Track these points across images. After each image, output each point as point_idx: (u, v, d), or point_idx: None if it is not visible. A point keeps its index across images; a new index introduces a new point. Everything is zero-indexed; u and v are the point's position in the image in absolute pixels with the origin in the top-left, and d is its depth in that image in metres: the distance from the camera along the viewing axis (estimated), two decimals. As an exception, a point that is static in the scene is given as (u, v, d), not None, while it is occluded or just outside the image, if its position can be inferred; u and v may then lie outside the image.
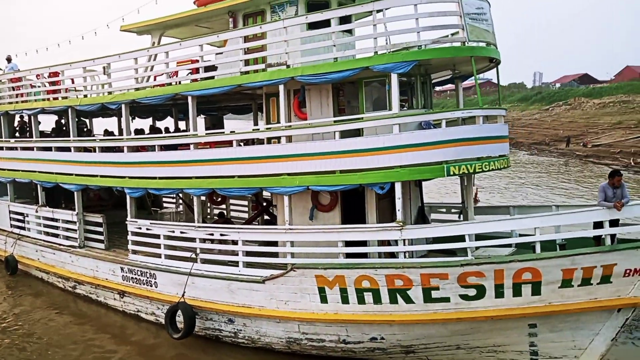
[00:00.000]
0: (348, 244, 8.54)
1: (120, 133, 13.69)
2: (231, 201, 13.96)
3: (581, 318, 7.54)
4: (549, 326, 7.71)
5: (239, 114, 14.91)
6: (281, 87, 8.78)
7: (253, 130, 9.96)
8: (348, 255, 8.52)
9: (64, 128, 15.31)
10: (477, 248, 8.72)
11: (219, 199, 13.10)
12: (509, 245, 8.37)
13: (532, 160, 40.44)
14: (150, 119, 16.73)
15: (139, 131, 14.82)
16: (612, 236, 7.44)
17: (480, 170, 8.02)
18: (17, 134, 15.94)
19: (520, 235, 8.28)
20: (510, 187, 27.65)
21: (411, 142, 7.81)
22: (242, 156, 9.18)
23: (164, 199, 16.61)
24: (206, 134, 10.21)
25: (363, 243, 8.64)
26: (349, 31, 9.30)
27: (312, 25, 9.00)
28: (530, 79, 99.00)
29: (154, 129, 14.87)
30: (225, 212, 13.73)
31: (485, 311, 7.59)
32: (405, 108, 9.21)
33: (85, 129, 16.56)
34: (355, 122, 8.45)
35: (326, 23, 8.62)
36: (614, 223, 7.37)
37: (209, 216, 14.26)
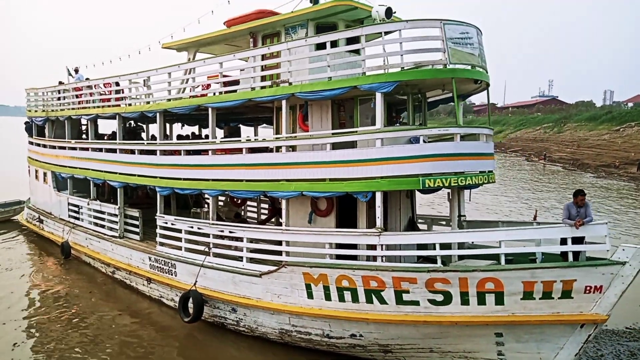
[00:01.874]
0: (340, 246, 9.35)
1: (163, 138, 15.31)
2: (249, 203, 15.14)
3: (546, 331, 7.84)
4: (514, 336, 8.05)
5: (269, 124, 16.13)
6: (284, 102, 9.80)
7: (255, 140, 11.03)
8: (339, 257, 9.34)
9: (124, 132, 17.39)
10: (460, 258, 9.27)
11: (239, 201, 14.31)
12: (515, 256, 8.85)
13: (599, 184, 38.25)
14: (197, 126, 18.47)
15: (183, 137, 16.47)
16: (576, 253, 7.72)
17: (456, 184, 8.55)
18: (83, 136, 18.13)
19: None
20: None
21: (391, 156, 8.51)
22: (249, 162, 10.26)
23: (206, 199, 18.15)
24: (221, 141, 11.36)
25: (354, 246, 9.40)
26: (356, 51, 10.16)
27: (319, 46, 9.97)
28: (600, 97, 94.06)
29: (181, 137, 16.43)
30: (242, 212, 14.91)
31: (452, 317, 8.08)
32: (397, 124, 9.91)
33: (141, 132, 18.50)
34: (342, 135, 9.27)
35: (333, 43, 9.52)
36: (578, 240, 7.64)
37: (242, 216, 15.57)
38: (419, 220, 11.65)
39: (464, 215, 10.95)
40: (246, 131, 17.10)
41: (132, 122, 17.72)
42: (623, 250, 7.15)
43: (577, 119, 60.70)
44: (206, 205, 17.88)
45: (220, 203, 16.41)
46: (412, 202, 10.76)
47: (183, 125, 18.72)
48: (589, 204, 7.72)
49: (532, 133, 64.56)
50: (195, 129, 18.59)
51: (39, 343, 10.17)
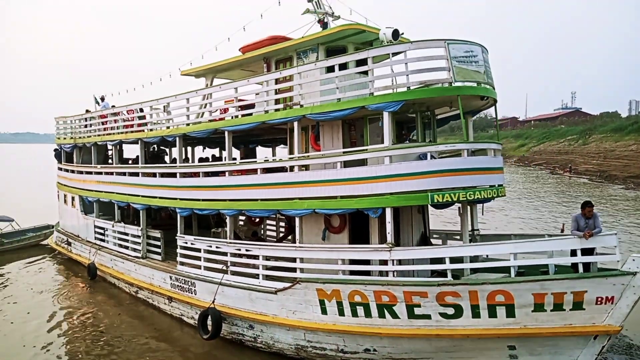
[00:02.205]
0: (353, 262, 9.54)
1: (184, 161, 15.87)
2: (269, 222, 15.46)
3: (559, 343, 7.83)
4: (528, 349, 8.06)
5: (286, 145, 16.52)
6: (295, 124, 10.16)
7: (269, 160, 11.42)
8: (353, 272, 9.52)
9: (148, 156, 18.08)
10: (473, 271, 9.31)
11: (257, 220, 14.65)
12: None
13: (629, 196, 37.26)
14: (217, 149, 19.00)
15: (204, 159, 17.00)
16: (587, 264, 7.73)
17: (465, 199, 8.69)
18: (110, 161, 18.83)
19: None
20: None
21: (399, 172, 8.73)
22: (263, 182, 10.61)
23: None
24: (236, 162, 11.76)
25: (368, 262, 9.58)
26: (366, 72, 10.47)
27: (329, 69, 10.32)
28: (626, 107, 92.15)
29: (202, 159, 16.93)
30: (260, 231, 15.24)
31: (464, 330, 8.15)
32: (407, 141, 10.15)
33: (164, 156, 19.13)
34: (352, 153, 9.54)
35: (341, 66, 9.87)
36: (588, 252, 7.66)
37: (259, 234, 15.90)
38: (434, 236, 11.76)
39: (478, 230, 11.03)
40: (265, 152, 17.54)
41: (155, 146, 18.42)
42: (633, 260, 7.17)
43: (603, 130, 59.49)
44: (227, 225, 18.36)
45: (241, 223, 16.83)
46: (424, 218, 10.90)
47: (204, 148, 19.29)
48: (597, 215, 7.75)
49: (556, 146, 63.49)
50: (216, 151, 19.15)
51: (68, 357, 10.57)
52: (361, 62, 9.81)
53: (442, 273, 9.19)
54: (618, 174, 49.08)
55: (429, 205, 10.99)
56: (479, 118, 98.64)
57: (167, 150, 19.53)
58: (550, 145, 65.14)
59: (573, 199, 35.05)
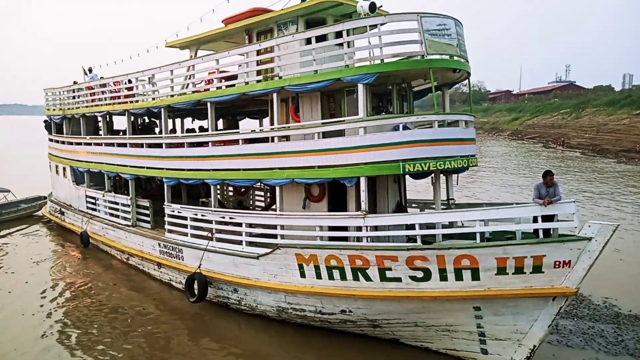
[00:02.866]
0: (333, 229, 9.95)
1: (173, 131, 16.13)
2: (258, 192, 15.85)
3: (520, 304, 8.32)
4: (492, 310, 8.55)
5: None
6: (274, 95, 10.41)
7: (250, 131, 11.64)
8: (332, 238, 9.92)
9: (139, 127, 18.32)
10: (446, 237, 9.69)
11: (243, 190, 15.03)
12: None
13: (620, 169, 37.69)
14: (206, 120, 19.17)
15: (191, 130, 17.24)
16: (548, 231, 8.16)
17: (435, 168, 9.05)
18: (100, 132, 18.96)
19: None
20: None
21: (373, 143, 9.06)
22: (245, 152, 10.92)
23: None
24: (218, 133, 12.05)
25: (346, 229, 9.97)
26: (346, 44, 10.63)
27: (308, 41, 10.49)
28: (619, 81, 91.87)
29: (189, 130, 17.16)
30: (244, 200, 15.66)
31: (432, 292, 8.63)
32: (383, 113, 10.43)
33: (154, 128, 19.31)
34: (329, 125, 9.83)
35: (319, 38, 10.07)
36: (549, 219, 8.08)
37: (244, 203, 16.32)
38: (412, 205, 12.17)
39: (453, 199, 11.43)
40: (253, 124, 17.76)
41: (145, 117, 18.62)
42: (589, 226, 7.59)
43: (596, 104, 59.58)
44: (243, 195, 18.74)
45: (230, 193, 17.22)
46: (400, 187, 11.28)
47: (193, 120, 19.49)
48: (557, 184, 8.14)
49: (549, 119, 63.55)
50: (205, 122, 19.30)
51: (64, 327, 10.94)
52: (339, 35, 9.99)
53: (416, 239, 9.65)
54: (610, 148, 49.42)
55: (405, 176, 11.44)
56: (472, 91, 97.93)
57: (158, 122, 19.74)
58: (543, 119, 65.22)
59: (564, 172, 35.50)
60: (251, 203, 16.79)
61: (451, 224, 10.19)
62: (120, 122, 18.82)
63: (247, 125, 17.44)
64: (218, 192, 17.32)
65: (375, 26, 9.54)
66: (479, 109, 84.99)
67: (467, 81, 10.86)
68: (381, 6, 11.07)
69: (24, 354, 9.70)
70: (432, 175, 10.20)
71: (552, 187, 8.09)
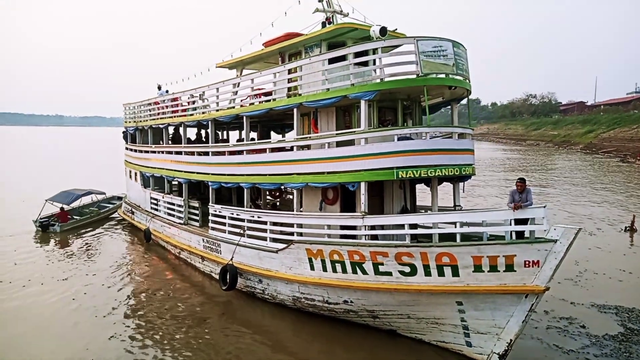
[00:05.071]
0: (344, 228, 11.22)
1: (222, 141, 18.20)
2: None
3: (497, 300, 9.08)
4: (472, 305, 9.38)
5: None
6: (295, 110, 11.95)
7: (273, 141, 13.25)
8: (343, 236, 11.17)
9: (203, 138, 20.62)
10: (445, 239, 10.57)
11: (277, 193, 16.68)
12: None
13: None
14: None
15: (240, 140, 19.20)
16: (518, 233, 8.91)
17: (426, 175, 10.07)
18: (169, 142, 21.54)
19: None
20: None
21: (371, 152, 10.28)
22: (270, 160, 12.55)
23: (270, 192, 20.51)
24: (248, 143, 13.78)
25: (354, 227, 11.18)
26: (365, 63, 11.90)
27: (331, 61, 11.90)
28: None
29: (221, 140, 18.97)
30: (278, 202, 17.29)
31: (418, 286, 9.61)
32: (389, 125, 11.59)
33: (218, 138, 21.49)
34: (332, 136, 11.22)
35: (332, 60, 11.48)
36: (522, 222, 8.82)
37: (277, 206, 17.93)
38: (421, 210, 13.11)
39: (460, 205, 12.26)
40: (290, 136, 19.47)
41: (203, 129, 20.93)
42: (554, 229, 8.29)
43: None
44: (269, 198, 20.58)
45: (270, 198, 18.98)
46: (405, 193, 12.31)
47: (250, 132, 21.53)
48: (529, 190, 8.86)
49: (627, 132, 59.84)
50: (254, 134, 21.27)
51: (124, 304, 13.16)
52: (358, 55, 11.26)
53: (421, 238, 10.68)
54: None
55: (415, 183, 12.51)
56: (542, 103, 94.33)
57: (220, 133, 21.99)
58: (621, 132, 61.43)
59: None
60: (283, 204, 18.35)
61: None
62: (191, 133, 21.29)
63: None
64: (258, 195, 19.16)
65: (389, 48, 10.69)
66: (548, 122, 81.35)
67: (470, 97, 11.69)
68: (396, 29, 12.34)
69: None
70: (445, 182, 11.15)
71: (523, 193, 8.84)
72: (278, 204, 17.48)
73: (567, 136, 74.09)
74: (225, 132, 20.88)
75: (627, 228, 20.77)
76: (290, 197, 18.52)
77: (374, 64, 10.98)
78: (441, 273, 9.32)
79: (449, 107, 13.05)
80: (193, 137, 20.60)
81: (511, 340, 9.07)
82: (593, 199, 29.82)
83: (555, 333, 10.76)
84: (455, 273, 9.18)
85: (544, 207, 8.60)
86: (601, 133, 65.74)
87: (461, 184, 12.15)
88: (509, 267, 8.71)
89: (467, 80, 10.95)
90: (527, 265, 8.56)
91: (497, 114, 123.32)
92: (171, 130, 19.28)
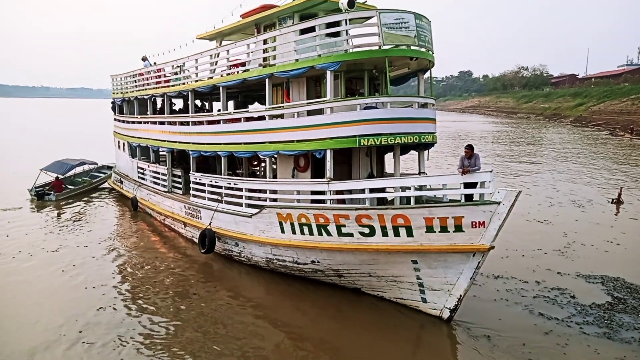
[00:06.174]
0: (313, 193, 11.85)
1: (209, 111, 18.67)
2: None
3: (448, 259, 9.78)
4: (426, 263, 10.09)
5: None
6: (267, 80, 12.42)
7: (246, 111, 13.73)
8: (313, 201, 11.80)
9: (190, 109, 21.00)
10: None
11: (255, 162, 17.29)
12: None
13: None
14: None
15: (202, 109, 19.62)
16: (468, 195, 9.56)
17: (387, 143, 10.65)
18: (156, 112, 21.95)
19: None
20: None
21: (335, 121, 10.82)
22: (244, 129, 13.08)
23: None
24: (224, 113, 14.29)
25: (323, 192, 11.82)
26: (337, 35, 12.25)
27: (303, 32, 12.28)
28: None
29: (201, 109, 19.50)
30: (258, 171, 17.96)
31: (377, 246, 10.30)
32: (357, 95, 12.10)
33: (204, 108, 21.86)
34: (301, 107, 11.69)
35: (303, 31, 11.88)
36: (471, 185, 9.47)
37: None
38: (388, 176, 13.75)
39: (424, 172, 12.88)
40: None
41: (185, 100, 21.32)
42: (498, 192, 8.92)
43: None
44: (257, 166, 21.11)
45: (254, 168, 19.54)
46: (371, 160, 12.92)
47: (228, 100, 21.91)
48: (477, 156, 9.46)
49: (617, 105, 60.15)
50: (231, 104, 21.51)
51: (112, 275, 13.90)
52: (331, 26, 11.64)
53: (391, 202, 11.32)
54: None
55: (381, 151, 13.11)
56: (534, 75, 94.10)
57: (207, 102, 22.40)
58: (611, 105, 61.75)
59: (634, 164, 33.65)
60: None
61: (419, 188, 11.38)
62: (180, 104, 21.65)
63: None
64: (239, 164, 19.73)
65: (357, 20, 11.09)
66: (539, 94, 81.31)
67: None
68: (366, 1, 12.71)
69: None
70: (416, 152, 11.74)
71: (472, 159, 9.45)
72: (258, 172, 18.11)
73: (557, 109, 74.36)
74: (208, 103, 21.31)
75: (614, 200, 21.27)
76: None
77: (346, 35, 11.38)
78: (397, 234, 9.99)
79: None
80: (181, 108, 21.07)
81: (461, 295, 9.81)
82: (582, 172, 30.48)
83: (543, 302, 11.08)
84: (410, 233, 9.84)
85: (491, 171, 9.22)
86: (591, 106, 66.06)
87: (425, 152, 12.74)
88: (458, 228, 9.37)
89: (430, 52, 11.41)
90: (474, 226, 9.22)
91: (488, 87, 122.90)
92: (159, 101, 19.72)
